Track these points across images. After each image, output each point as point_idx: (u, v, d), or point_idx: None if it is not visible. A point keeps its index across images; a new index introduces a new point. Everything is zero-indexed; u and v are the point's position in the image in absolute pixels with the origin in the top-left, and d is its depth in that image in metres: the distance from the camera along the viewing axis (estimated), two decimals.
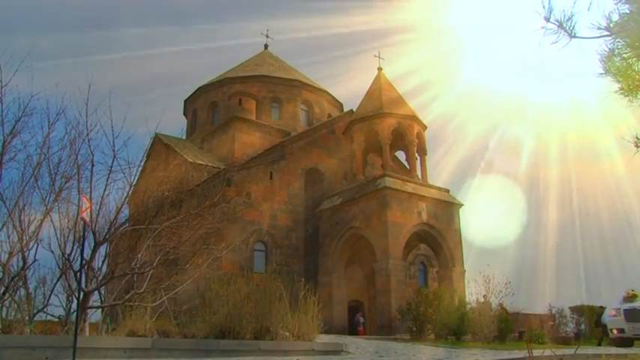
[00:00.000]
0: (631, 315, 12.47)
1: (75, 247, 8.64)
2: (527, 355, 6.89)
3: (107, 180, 8.89)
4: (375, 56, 27.83)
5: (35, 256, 8.71)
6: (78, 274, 7.95)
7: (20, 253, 8.47)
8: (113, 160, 8.82)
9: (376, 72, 27.57)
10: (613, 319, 13.06)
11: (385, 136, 24.17)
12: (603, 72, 3.21)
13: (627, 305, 12.83)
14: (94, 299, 9.12)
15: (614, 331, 12.81)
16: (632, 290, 13.56)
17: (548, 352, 6.87)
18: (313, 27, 64.59)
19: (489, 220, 31.95)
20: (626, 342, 12.60)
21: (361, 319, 22.74)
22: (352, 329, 22.49)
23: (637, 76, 3.15)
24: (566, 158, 38.29)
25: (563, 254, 37.10)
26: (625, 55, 3.12)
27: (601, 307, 17.59)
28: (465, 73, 53.59)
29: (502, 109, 47.29)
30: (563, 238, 37.73)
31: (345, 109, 31.14)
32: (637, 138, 3.55)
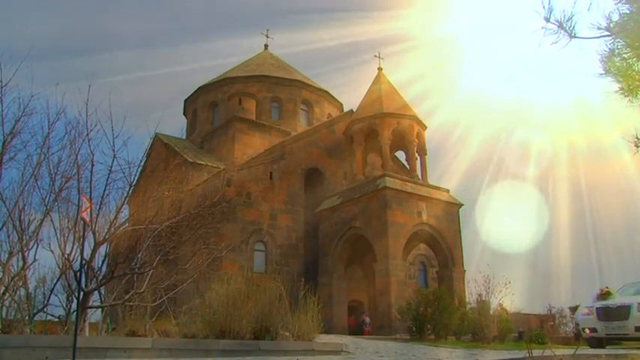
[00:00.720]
0: (604, 313, 11.65)
1: (75, 247, 8.63)
2: (527, 355, 6.89)
3: (107, 180, 8.89)
4: (375, 56, 27.91)
5: (35, 256, 8.71)
6: (78, 274, 7.95)
7: (20, 253, 8.46)
8: (113, 160, 8.82)
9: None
10: (585, 317, 12.28)
11: (385, 136, 24.18)
12: (603, 72, 3.21)
13: (600, 303, 12.02)
14: (94, 299, 9.12)
15: (587, 331, 12.06)
16: (607, 287, 12.87)
17: (548, 352, 6.87)
18: (313, 40, 64.80)
19: (501, 222, 31.98)
20: (599, 342, 11.86)
21: (367, 320, 22.64)
22: (357, 329, 22.50)
23: (637, 76, 3.15)
24: (574, 158, 38.24)
25: (576, 255, 36.98)
26: (625, 55, 3.12)
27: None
28: (467, 77, 53.71)
29: (506, 111, 47.31)
30: (576, 238, 37.56)
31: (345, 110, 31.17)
32: (637, 138, 3.55)
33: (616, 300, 11.96)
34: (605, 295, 12.46)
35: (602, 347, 11.59)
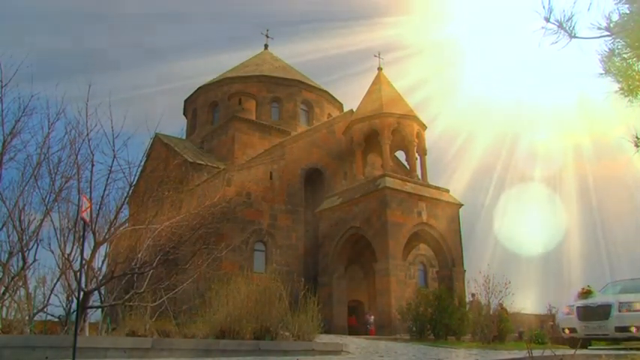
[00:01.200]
0: (584, 313, 11.10)
1: (75, 247, 8.63)
2: (527, 355, 6.88)
3: (107, 180, 8.90)
4: (375, 56, 27.90)
5: (35, 256, 8.71)
6: (78, 274, 7.95)
7: (20, 253, 8.46)
8: (113, 160, 8.83)
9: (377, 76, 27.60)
10: (566, 317, 11.68)
11: (385, 136, 24.18)
12: (603, 72, 3.21)
13: (580, 302, 11.47)
14: (94, 299, 9.12)
15: (567, 331, 11.55)
16: (588, 286, 12.33)
17: (548, 352, 6.87)
18: (312, 50, 64.48)
19: (511, 224, 31.93)
20: (580, 343, 10.88)
21: (371, 319, 22.56)
22: (359, 329, 22.50)
23: (637, 76, 3.15)
24: (580, 158, 38.06)
25: (587, 255, 36.70)
26: (625, 55, 3.12)
27: None
28: (469, 80, 53.68)
29: (510, 113, 47.23)
30: (586, 238, 37.23)
31: (345, 110, 31.18)
32: (637, 138, 3.55)
33: (596, 299, 11.50)
34: (585, 294, 12.01)
35: (586, 347, 11.12)
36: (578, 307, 11.38)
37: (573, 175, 38.22)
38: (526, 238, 30.82)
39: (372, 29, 66.54)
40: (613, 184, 39.93)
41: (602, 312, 10.83)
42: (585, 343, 11.43)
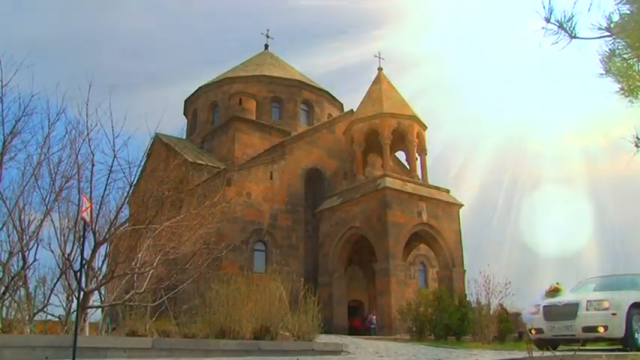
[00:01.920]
0: (550, 312, 10.43)
1: (75, 247, 8.62)
2: (527, 355, 6.88)
3: (107, 180, 8.87)
4: (376, 56, 27.90)
5: (35, 255, 8.69)
6: (78, 273, 7.94)
7: (20, 253, 8.45)
8: (113, 160, 8.80)
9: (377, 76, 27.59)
10: (532, 317, 10.95)
11: (385, 136, 24.20)
12: (604, 72, 3.21)
13: (547, 301, 10.87)
14: (94, 299, 9.12)
15: (533, 332, 10.76)
16: (557, 283, 11.75)
17: (548, 353, 6.87)
18: (311, 63, 64.34)
19: (524, 226, 31.92)
20: (547, 344, 10.19)
21: (374, 319, 22.51)
22: (361, 329, 22.47)
23: (637, 77, 3.15)
24: (586, 159, 38.00)
25: (602, 256, 36.50)
26: (625, 56, 3.12)
27: None
28: (470, 84, 53.72)
29: (513, 115, 47.18)
30: (599, 239, 36.98)
31: (345, 110, 31.17)
32: (637, 138, 3.55)
33: (563, 297, 10.92)
34: (553, 291, 11.47)
35: (555, 349, 10.36)
36: (544, 307, 10.74)
37: (580, 176, 38.20)
38: (536, 240, 30.81)
39: (368, 41, 66.52)
40: (620, 183, 39.89)
41: (568, 311, 10.15)
42: (555, 344, 10.75)
